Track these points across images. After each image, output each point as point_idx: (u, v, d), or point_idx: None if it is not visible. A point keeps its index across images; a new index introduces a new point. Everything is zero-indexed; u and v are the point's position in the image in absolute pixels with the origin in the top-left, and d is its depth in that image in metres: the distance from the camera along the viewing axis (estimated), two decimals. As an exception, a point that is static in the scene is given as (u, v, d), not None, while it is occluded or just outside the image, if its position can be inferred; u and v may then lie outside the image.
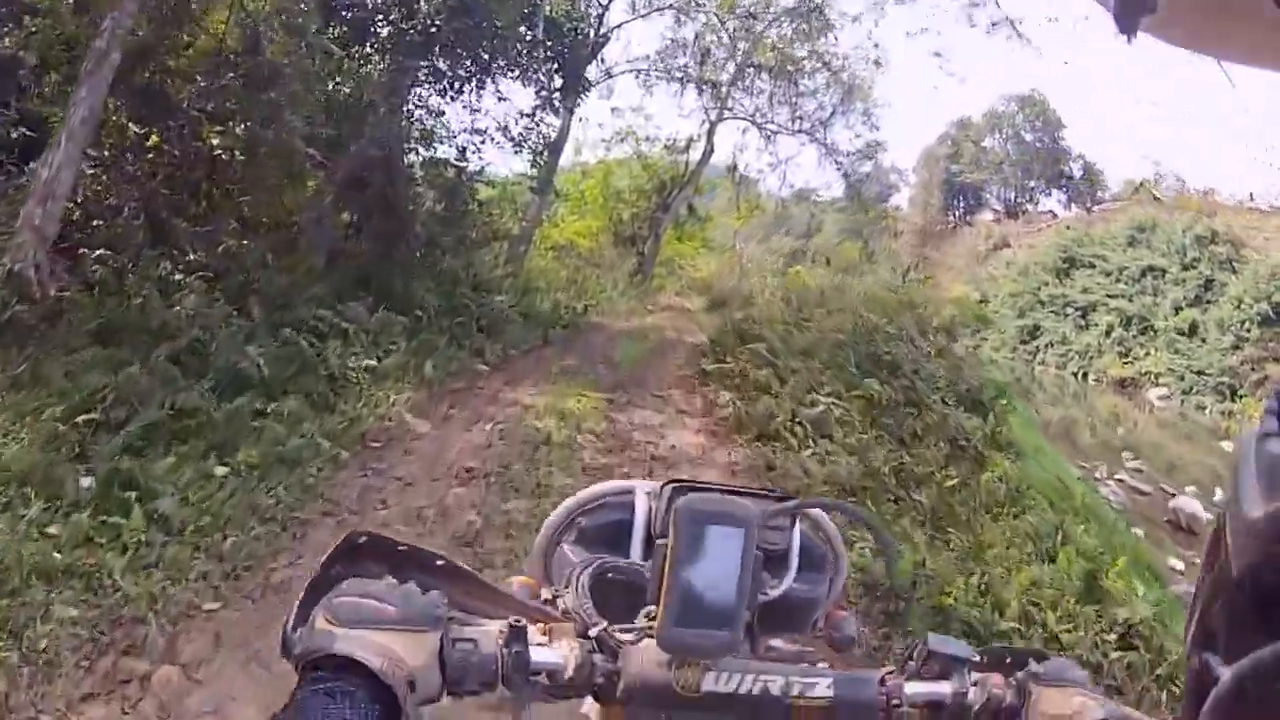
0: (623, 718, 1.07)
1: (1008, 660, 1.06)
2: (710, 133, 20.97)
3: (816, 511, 1.30)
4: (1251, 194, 33.20)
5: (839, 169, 21.85)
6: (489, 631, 0.89)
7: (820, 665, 1.02)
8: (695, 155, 21.28)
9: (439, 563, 0.97)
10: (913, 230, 39.58)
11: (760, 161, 23.49)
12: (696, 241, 24.87)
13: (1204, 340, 26.66)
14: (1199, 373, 24.76)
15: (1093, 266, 32.00)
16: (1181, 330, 27.68)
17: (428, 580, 0.94)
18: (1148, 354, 28.30)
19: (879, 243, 27.93)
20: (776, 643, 1.13)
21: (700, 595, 0.92)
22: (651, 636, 0.93)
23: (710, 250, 25.46)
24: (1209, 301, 27.81)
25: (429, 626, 0.84)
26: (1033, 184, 43.86)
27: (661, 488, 1.17)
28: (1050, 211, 42.25)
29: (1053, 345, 31.69)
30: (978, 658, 1.03)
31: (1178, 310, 28.50)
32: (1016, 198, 43.91)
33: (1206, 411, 23.01)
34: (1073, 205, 42.04)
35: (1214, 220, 29.95)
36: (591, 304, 15.31)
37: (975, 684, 1.00)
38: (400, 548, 0.96)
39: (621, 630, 0.97)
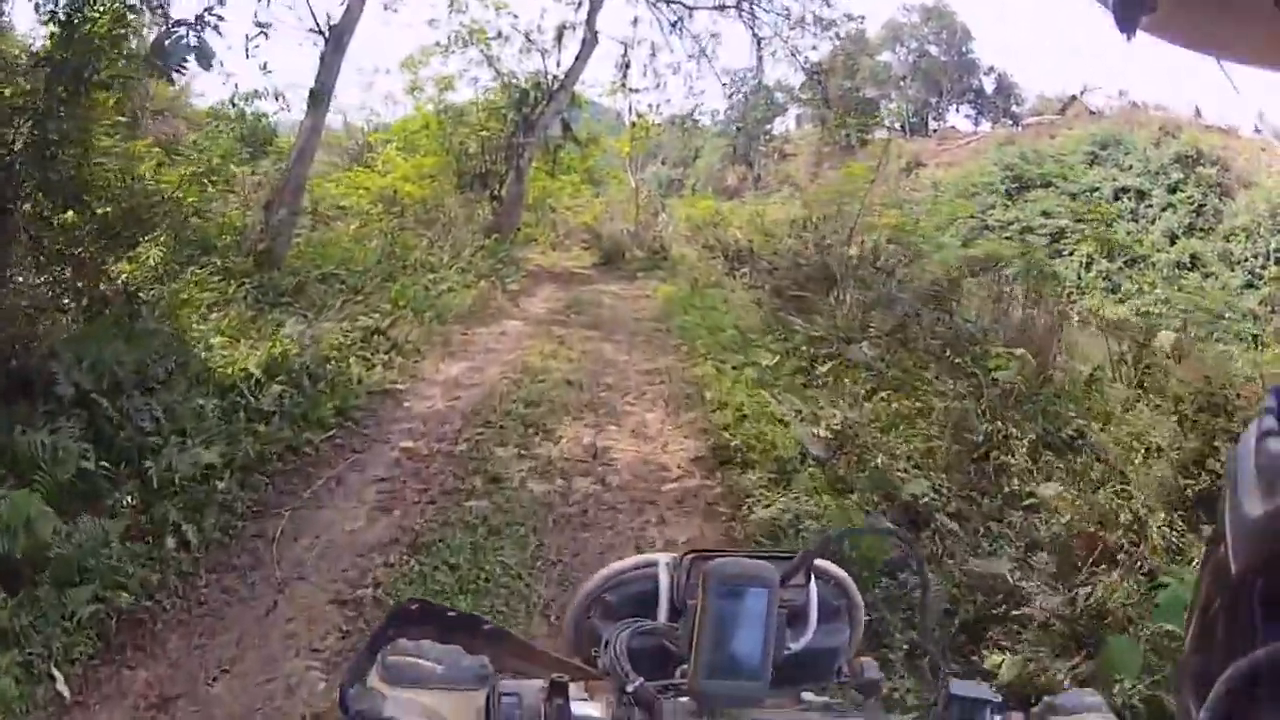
0: None
1: (1028, 700, 1.20)
2: (591, 13, 17.39)
3: (832, 567, 1.42)
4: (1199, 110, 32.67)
5: (724, 88, 21.08)
6: (533, 687, 1.04)
7: (849, 715, 1.16)
8: (569, 53, 18.03)
9: (486, 627, 1.19)
10: (808, 151, 38.22)
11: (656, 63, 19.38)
12: (576, 175, 21.96)
13: (1211, 275, 25.78)
14: (1218, 316, 21.90)
15: (1050, 187, 30.85)
16: (1182, 264, 26.62)
17: (476, 643, 1.11)
18: (1141, 290, 25.41)
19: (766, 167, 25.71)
20: (808, 696, 1.23)
21: (729, 649, 1.06)
22: (684, 692, 1.08)
23: (595, 186, 22.73)
24: (1204, 230, 27.18)
25: (475, 685, 1.01)
26: (937, 100, 43.97)
27: (681, 558, 1.30)
28: (969, 130, 41.73)
29: (1015, 278, 28.75)
30: (999, 699, 1.15)
31: (1173, 240, 27.75)
32: (920, 114, 43.68)
33: (1237, 363, 20.07)
34: (983, 121, 42.58)
35: (1182, 139, 29.36)
36: (404, 337, 9.49)
37: None
38: (450, 613, 1.17)
39: (657, 686, 1.10)
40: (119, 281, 6.92)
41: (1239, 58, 0.62)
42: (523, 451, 6.43)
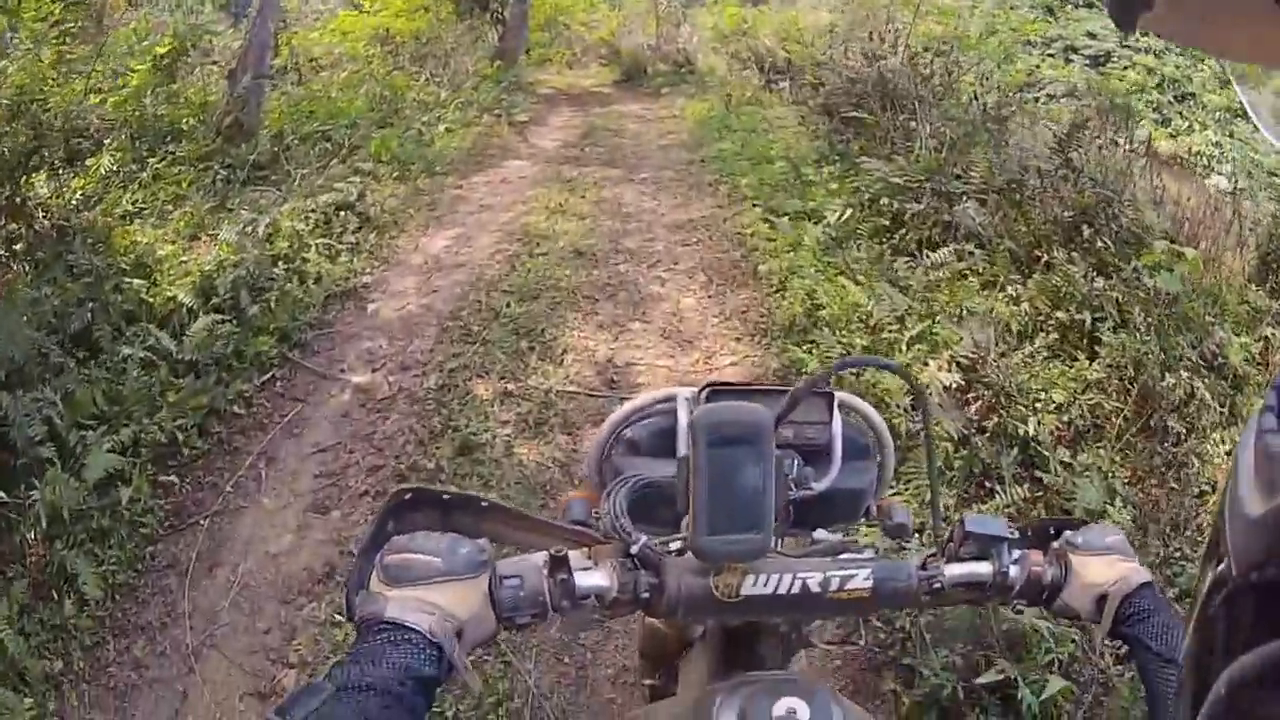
0: (681, 629, 1.48)
1: (1046, 532, 1.28)
2: None
3: (858, 403, 1.44)
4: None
5: None
6: (534, 564, 1.06)
7: (865, 552, 1.18)
8: None
9: (483, 505, 1.18)
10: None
11: None
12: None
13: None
14: (1271, 173, 19.72)
15: (1094, 8, 27.60)
16: (1233, 109, 24.22)
17: (476, 523, 1.16)
18: (1191, 129, 23.57)
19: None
20: (821, 534, 1.29)
21: (726, 502, 1.04)
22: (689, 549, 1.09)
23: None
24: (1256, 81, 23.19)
25: (475, 572, 1.03)
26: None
27: (700, 392, 1.32)
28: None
29: (1058, 98, 26.67)
30: (1015, 534, 1.20)
31: (1223, 84, 24.44)
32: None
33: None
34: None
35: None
36: (380, 206, 7.93)
37: (1015, 562, 1.19)
38: (445, 497, 1.16)
39: (662, 544, 1.14)
40: (44, 217, 5.98)
41: (1238, 55, 0.60)
42: (510, 387, 4.98)
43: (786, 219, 6.80)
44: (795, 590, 1.08)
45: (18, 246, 5.76)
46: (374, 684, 0.91)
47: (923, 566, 1.16)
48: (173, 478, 4.28)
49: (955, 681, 2.88)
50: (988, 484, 3.91)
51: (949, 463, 3.91)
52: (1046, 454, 3.91)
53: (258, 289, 5.76)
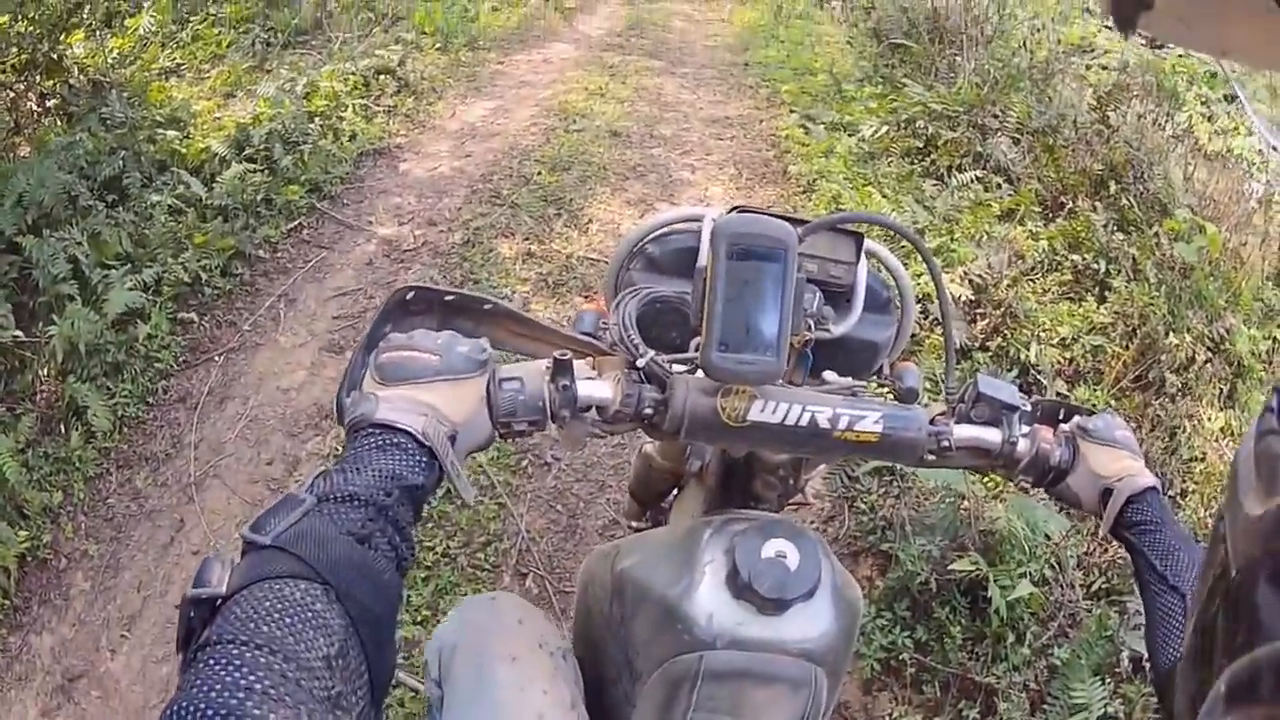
0: (680, 451, 1.40)
1: (1056, 414, 1.25)
2: None
3: (885, 253, 1.37)
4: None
5: None
6: (536, 368, 1.01)
7: (869, 399, 1.10)
8: None
9: (486, 307, 1.10)
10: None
11: None
12: None
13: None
14: None
15: None
16: None
17: (478, 326, 1.09)
18: (1237, 131, 22.17)
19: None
20: (831, 375, 1.21)
21: (741, 320, 0.98)
22: (699, 366, 1.01)
23: None
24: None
25: (473, 372, 0.96)
26: None
27: (728, 214, 1.21)
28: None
29: (1109, 68, 25.21)
30: (1028, 406, 1.17)
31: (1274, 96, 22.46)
32: None
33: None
34: None
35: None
36: (420, 73, 7.74)
37: (1025, 435, 1.15)
38: (448, 297, 1.09)
39: (670, 360, 1.07)
40: (80, 74, 5.95)
41: (1238, 56, 0.59)
42: (533, 248, 4.89)
43: (822, 128, 6.58)
44: (803, 423, 1.03)
45: (51, 102, 5.75)
46: (357, 494, 0.84)
47: (931, 422, 1.12)
48: (192, 315, 4.28)
49: (929, 572, 2.86)
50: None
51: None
52: (1045, 382, 3.81)
53: (291, 143, 5.67)
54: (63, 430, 3.65)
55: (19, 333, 3.81)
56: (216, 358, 4.06)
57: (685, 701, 1.08)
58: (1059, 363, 4.00)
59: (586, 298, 4.42)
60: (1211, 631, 0.48)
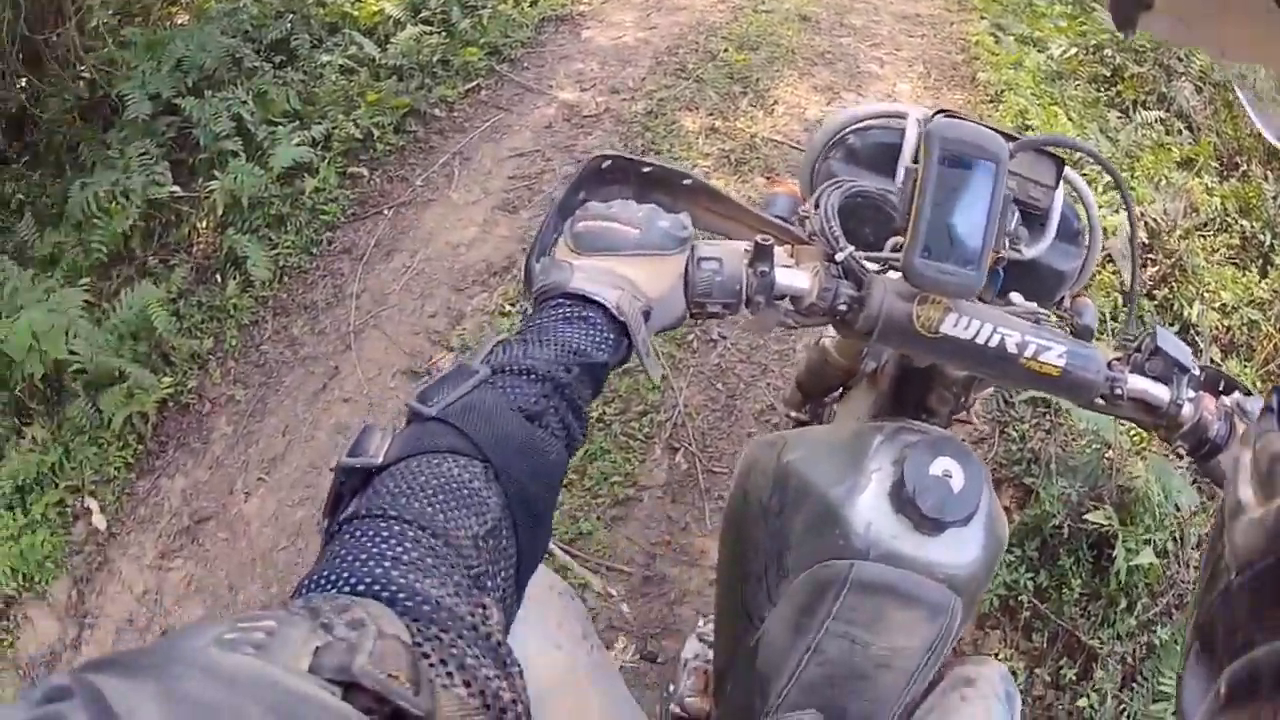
0: (857, 351, 1.36)
1: (1217, 384, 1.13)
2: None
3: (1081, 182, 1.31)
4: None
5: None
6: (735, 250, 0.97)
7: (1054, 329, 1.05)
8: None
9: (686, 182, 1.06)
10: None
11: None
12: None
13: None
14: None
15: None
16: None
17: (676, 201, 1.04)
18: None
19: None
20: (1016, 297, 1.14)
21: (948, 228, 0.94)
22: (897, 267, 0.96)
23: None
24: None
25: (672, 249, 0.92)
26: None
27: (934, 115, 1.18)
28: None
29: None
30: (1197, 370, 1.09)
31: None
32: None
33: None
34: None
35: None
36: None
37: (1191, 399, 1.07)
38: (645, 169, 1.04)
39: (868, 258, 1.02)
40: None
41: (1237, 54, 0.61)
42: (717, 124, 4.54)
43: (1012, 39, 6.19)
44: (992, 344, 0.99)
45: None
46: (535, 367, 0.78)
47: (1109, 366, 1.05)
48: (362, 170, 4.18)
49: (1064, 516, 2.77)
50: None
51: (1114, 313, 3.59)
52: (1201, 345, 3.54)
53: (470, 6, 5.46)
54: (218, 280, 3.62)
55: (176, 188, 3.80)
56: (386, 211, 3.97)
57: (827, 609, 1.06)
58: (1216, 329, 3.75)
59: (769, 179, 4.19)
60: (1211, 631, 0.47)
